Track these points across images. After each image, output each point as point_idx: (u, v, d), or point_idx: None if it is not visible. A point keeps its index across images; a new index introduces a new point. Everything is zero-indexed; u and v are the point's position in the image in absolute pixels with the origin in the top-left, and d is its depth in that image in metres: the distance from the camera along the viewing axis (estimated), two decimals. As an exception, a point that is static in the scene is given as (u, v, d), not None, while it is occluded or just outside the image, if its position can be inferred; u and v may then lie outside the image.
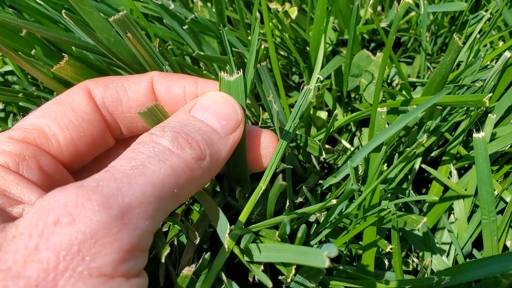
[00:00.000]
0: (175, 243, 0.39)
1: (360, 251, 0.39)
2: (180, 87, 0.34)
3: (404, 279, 0.33)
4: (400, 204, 0.46)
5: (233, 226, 0.32)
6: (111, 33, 0.40)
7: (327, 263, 0.25)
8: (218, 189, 0.42)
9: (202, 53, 0.44)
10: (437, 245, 0.45)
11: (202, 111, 0.31)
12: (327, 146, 0.54)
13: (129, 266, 0.23)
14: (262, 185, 0.34)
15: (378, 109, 0.35)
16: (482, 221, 0.37)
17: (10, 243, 0.21)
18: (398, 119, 0.30)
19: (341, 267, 0.36)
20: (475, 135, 0.36)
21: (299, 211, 0.33)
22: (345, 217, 0.39)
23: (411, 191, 0.46)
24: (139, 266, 0.24)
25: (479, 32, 0.50)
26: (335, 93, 0.55)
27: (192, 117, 0.31)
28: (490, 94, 0.34)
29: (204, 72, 0.51)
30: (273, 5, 0.58)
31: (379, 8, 0.62)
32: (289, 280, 0.30)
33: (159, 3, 0.46)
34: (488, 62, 0.49)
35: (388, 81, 0.56)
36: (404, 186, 0.46)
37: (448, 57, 0.37)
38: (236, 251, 0.34)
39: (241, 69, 0.32)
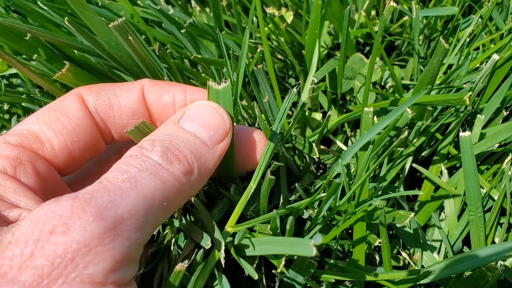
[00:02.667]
0: (172, 243, 0.40)
1: (352, 249, 0.40)
2: (170, 95, 0.35)
3: (392, 271, 0.34)
4: (393, 203, 0.48)
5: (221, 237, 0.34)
6: (111, 37, 0.41)
7: (314, 251, 0.26)
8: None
9: (199, 56, 0.45)
10: (428, 242, 0.46)
11: (191, 121, 0.32)
12: (322, 147, 0.55)
13: (120, 275, 0.24)
14: (253, 184, 0.35)
15: (365, 109, 0.36)
16: (469, 217, 0.38)
17: (5, 249, 0.22)
18: (384, 117, 0.31)
19: (332, 261, 0.37)
20: (461, 134, 0.37)
21: (289, 206, 0.34)
22: (336, 213, 0.40)
23: (402, 190, 0.48)
24: (129, 276, 0.25)
25: (470, 36, 0.52)
26: (330, 96, 0.56)
27: (181, 128, 0.32)
28: (470, 93, 0.35)
29: (203, 75, 0.52)
30: (269, 10, 0.59)
31: (373, 12, 0.63)
32: (279, 270, 0.32)
33: (158, 8, 0.47)
34: (478, 65, 0.50)
35: (382, 83, 0.57)
36: (396, 185, 0.48)
37: (435, 59, 0.38)
38: (229, 246, 0.35)
39: (228, 79, 0.34)
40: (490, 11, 0.49)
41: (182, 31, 0.47)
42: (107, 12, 0.52)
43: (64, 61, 0.38)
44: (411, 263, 0.39)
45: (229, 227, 0.36)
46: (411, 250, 0.44)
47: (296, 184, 0.39)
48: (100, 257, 0.23)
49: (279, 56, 0.59)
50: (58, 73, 0.38)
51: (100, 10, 0.52)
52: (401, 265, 0.43)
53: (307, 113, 0.55)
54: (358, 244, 0.38)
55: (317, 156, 0.44)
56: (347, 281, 0.36)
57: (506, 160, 0.42)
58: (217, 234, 0.33)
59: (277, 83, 0.59)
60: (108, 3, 0.54)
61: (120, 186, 0.26)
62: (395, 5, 0.37)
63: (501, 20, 0.55)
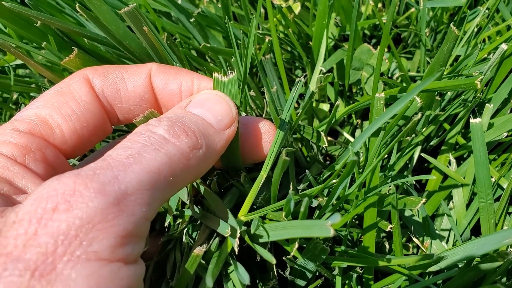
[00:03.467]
0: (185, 233, 0.40)
1: (362, 238, 0.40)
2: (177, 82, 0.35)
3: (404, 256, 0.34)
4: (401, 192, 0.48)
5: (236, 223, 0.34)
6: (119, 26, 0.41)
7: (332, 232, 0.26)
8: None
9: (208, 45, 0.45)
10: (437, 231, 0.46)
11: (198, 107, 0.32)
12: (329, 138, 0.55)
13: (127, 252, 0.24)
14: (264, 173, 0.35)
15: (377, 95, 0.36)
16: (479, 205, 0.38)
17: (10, 229, 0.22)
18: (395, 102, 0.31)
19: (342, 248, 0.37)
20: (472, 120, 0.37)
21: (302, 193, 0.34)
22: (346, 201, 0.41)
23: (412, 180, 0.48)
24: (136, 252, 0.25)
25: (476, 27, 0.52)
26: (337, 87, 0.56)
27: (188, 111, 0.32)
28: (482, 77, 0.35)
29: (211, 64, 0.52)
30: (277, 1, 0.59)
31: (380, 5, 0.63)
32: (292, 254, 0.32)
33: (168, -3, 0.47)
34: (486, 55, 0.50)
35: (389, 75, 0.57)
36: (405, 174, 0.48)
37: (445, 46, 0.38)
38: (243, 234, 0.35)
39: (235, 70, 0.33)
40: (497, 3, 0.49)
41: (191, 20, 0.47)
42: (116, 1, 0.52)
43: (73, 47, 0.38)
44: (423, 249, 0.39)
45: (242, 216, 0.36)
46: (420, 239, 0.44)
47: (306, 171, 0.39)
48: (104, 234, 0.23)
49: (286, 48, 0.59)
50: (66, 59, 0.38)
51: None
52: (411, 253, 0.43)
53: (314, 105, 0.55)
54: (368, 231, 0.38)
55: (326, 144, 0.45)
56: (358, 267, 0.36)
57: (516, 149, 0.42)
58: (232, 221, 0.33)
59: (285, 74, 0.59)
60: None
61: (124, 162, 0.25)
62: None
63: (508, 12, 0.56)
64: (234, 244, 0.32)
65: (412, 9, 0.59)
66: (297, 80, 0.37)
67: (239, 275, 0.32)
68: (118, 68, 0.35)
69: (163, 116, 0.30)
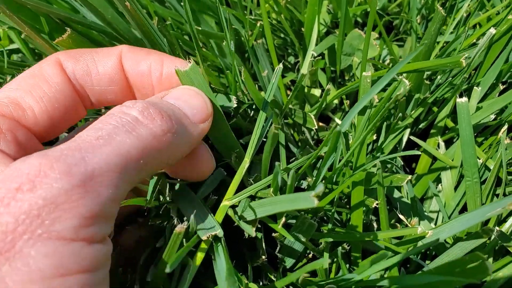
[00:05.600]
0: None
1: (350, 215, 0.40)
2: (147, 63, 0.35)
3: (391, 230, 0.34)
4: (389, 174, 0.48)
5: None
6: (108, 11, 0.42)
7: (315, 202, 0.26)
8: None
9: (199, 28, 0.46)
10: (426, 213, 0.46)
11: (174, 99, 0.32)
12: (321, 124, 0.56)
13: (92, 232, 0.24)
14: (247, 158, 0.36)
15: (363, 73, 0.37)
16: (466, 184, 0.39)
17: None
18: (381, 78, 0.32)
19: (330, 226, 0.38)
20: (458, 100, 0.38)
21: (290, 165, 0.35)
22: (334, 183, 0.41)
23: (401, 162, 0.48)
24: (102, 233, 0.25)
25: (466, 12, 0.52)
26: (329, 73, 0.57)
27: (164, 100, 0.32)
28: (466, 54, 0.36)
29: (203, 49, 0.53)
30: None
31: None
32: (280, 226, 0.32)
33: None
34: (475, 40, 0.51)
35: (380, 61, 0.58)
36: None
37: (432, 27, 0.39)
38: (230, 212, 0.35)
39: (191, 60, 0.34)
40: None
41: (182, 4, 0.48)
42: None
43: (66, 27, 0.39)
44: (409, 226, 0.39)
45: (226, 200, 0.36)
46: (409, 220, 0.45)
47: (295, 150, 0.40)
48: (68, 214, 0.23)
49: (279, 34, 0.60)
50: (59, 39, 0.39)
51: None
52: (399, 233, 0.44)
53: (306, 90, 0.56)
54: (356, 209, 0.39)
55: (316, 126, 0.45)
56: (345, 244, 0.37)
57: (502, 130, 0.43)
58: (210, 222, 0.34)
59: (277, 60, 0.60)
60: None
61: (93, 143, 0.25)
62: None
63: (498, -1, 0.56)
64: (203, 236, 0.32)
65: (404, -4, 0.60)
66: (276, 67, 0.37)
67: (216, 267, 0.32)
68: (89, 51, 0.35)
69: (139, 100, 0.30)
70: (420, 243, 0.36)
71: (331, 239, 0.35)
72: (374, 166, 0.37)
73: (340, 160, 0.37)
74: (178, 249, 0.30)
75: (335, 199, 0.37)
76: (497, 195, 0.48)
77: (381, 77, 0.43)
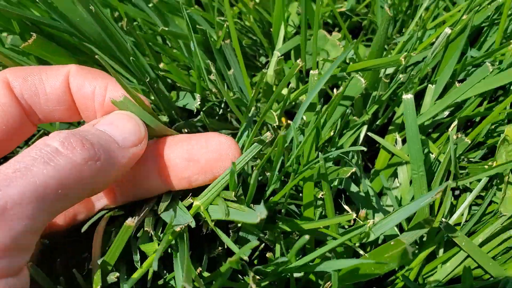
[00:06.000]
0: None
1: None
2: (91, 86, 0.35)
3: (337, 217, 0.36)
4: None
5: None
6: (76, 13, 0.43)
7: (258, 220, 0.30)
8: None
9: (166, 29, 0.48)
10: (382, 207, 0.48)
11: (105, 124, 0.33)
12: (289, 121, 0.58)
13: (4, 264, 0.24)
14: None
15: (311, 72, 0.39)
16: (412, 176, 0.41)
17: None
18: (324, 74, 0.34)
19: (280, 220, 0.40)
20: (404, 96, 0.39)
21: (242, 161, 0.37)
22: (285, 174, 0.43)
23: (359, 159, 0.50)
24: (14, 265, 0.25)
25: (425, 11, 0.54)
26: (297, 74, 0.59)
27: (94, 127, 0.32)
28: (405, 54, 0.38)
29: (174, 51, 0.55)
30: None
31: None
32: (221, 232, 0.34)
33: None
34: (434, 40, 0.53)
35: (347, 61, 0.60)
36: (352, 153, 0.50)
37: (381, 27, 0.41)
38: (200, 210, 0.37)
39: (125, 93, 0.34)
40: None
41: (150, 5, 0.50)
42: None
43: (32, 33, 0.41)
44: (359, 220, 0.41)
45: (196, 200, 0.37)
46: (367, 213, 0.47)
47: (255, 144, 0.41)
48: None
49: (249, 35, 0.62)
50: (25, 44, 0.41)
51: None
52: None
53: (274, 89, 0.58)
54: (307, 201, 0.40)
55: (276, 123, 0.47)
56: (294, 235, 0.39)
57: (452, 125, 0.44)
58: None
59: (248, 61, 0.62)
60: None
61: (9, 176, 0.26)
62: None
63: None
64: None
65: (370, -2, 0.61)
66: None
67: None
68: (38, 70, 0.35)
69: (64, 131, 0.30)
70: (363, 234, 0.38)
71: (277, 229, 0.37)
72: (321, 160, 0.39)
73: (289, 159, 0.39)
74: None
75: (286, 195, 0.39)
76: (453, 189, 0.50)
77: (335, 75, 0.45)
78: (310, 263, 0.33)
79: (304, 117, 0.56)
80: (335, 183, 0.44)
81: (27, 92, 0.34)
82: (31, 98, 0.34)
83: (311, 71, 0.39)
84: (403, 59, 0.37)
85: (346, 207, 0.39)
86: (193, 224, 0.34)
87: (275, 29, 0.56)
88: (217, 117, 0.55)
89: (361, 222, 0.37)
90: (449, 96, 0.45)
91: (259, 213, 0.31)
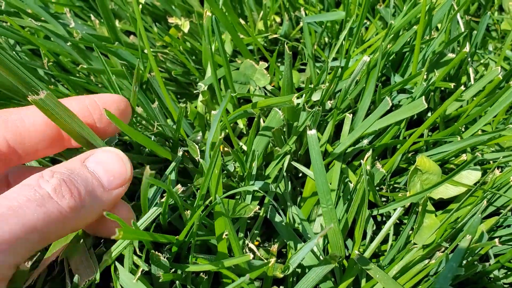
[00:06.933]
0: None
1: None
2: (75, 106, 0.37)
3: (231, 258, 0.36)
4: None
5: None
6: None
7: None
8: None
9: (85, 66, 0.48)
10: (309, 236, 0.48)
11: (95, 163, 0.34)
12: (226, 149, 0.58)
13: None
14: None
15: (213, 112, 0.39)
16: (322, 210, 0.41)
17: None
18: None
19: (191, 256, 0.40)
20: (308, 132, 0.40)
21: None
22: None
23: (286, 185, 0.50)
24: None
25: (345, 40, 0.55)
26: (233, 101, 0.59)
27: (84, 167, 0.34)
28: (296, 94, 0.38)
29: (99, 86, 0.55)
30: (172, 20, 0.62)
31: (278, 19, 0.66)
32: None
33: (39, 25, 0.50)
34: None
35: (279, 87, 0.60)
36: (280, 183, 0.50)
37: (286, 63, 0.41)
38: None
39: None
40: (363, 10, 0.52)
41: (68, 44, 0.50)
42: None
43: None
44: (272, 253, 0.41)
45: None
46: (291, 244, 0.47)
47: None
48: None
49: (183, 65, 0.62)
50: None
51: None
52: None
53: (207, 117, 0.58)
54: (220, 239, 0.40)
55: (198, 156, 0.47)
56: (202, 274, 0.39)
57: (366, 156, 0.45)
58: None
59: (183, 89, 0.62)
60: None
61: (3, 211, 0.28)
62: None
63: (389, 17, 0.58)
64: None
65: (301, 24, 0.62)
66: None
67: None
68: (17, 110, 0.36)
69: (58, 170, 0.32)
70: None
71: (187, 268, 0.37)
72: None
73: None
74: None
75: (193, 232, 0.39)
76: (374, 216, 0.50)
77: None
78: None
79: (241, 144, 0.57)
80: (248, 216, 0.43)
81: (9, 133, 0.35)
82: (14, 138, 0.35)
83: (213, 112, 0.40)
84: (294, 100, 0.38)
85: (251, 244, 0.39)
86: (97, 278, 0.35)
87: (205, 60, 0.56)
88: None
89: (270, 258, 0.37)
90: (361, 126, 0.45)
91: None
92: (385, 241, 0.49)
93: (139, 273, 0.34)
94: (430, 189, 0.40)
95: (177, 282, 0.37)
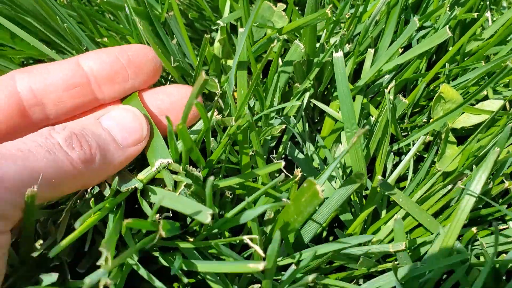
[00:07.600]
0: None
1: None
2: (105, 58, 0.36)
3: (257, 168, 0.36)
4: (296, 140, 0.50)
5: None
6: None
7: (208, 220, 0.29)
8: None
9: (105, 0, 0.47)
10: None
11: (110, 120, 0.34)
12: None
13: None
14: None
15: (239, 29, 0.39)
16: (346, 135, 0.41)
17: None
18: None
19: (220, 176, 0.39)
20: (334, 54, 0.39)
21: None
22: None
23: (306, 124, 0.50)
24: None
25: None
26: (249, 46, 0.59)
27: (98, 123, 0.34)
28: (331, 5, 0.38)
29: (121, 25, 0.54)
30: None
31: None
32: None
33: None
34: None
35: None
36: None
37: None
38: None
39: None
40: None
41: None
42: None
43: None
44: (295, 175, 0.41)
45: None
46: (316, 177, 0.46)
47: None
48: None
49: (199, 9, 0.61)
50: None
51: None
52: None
53: (222, 61, 0.57)
54: (243, 155, 0.40)
55: (219, 90, 0.47)
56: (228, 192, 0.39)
57: (389, 86, 0.45)
58: None
59: (198, 35, 0.61)
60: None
61: (12, 153, 0.28)
62: None
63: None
64: None
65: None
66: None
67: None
68: (43, 65, 0.36)
69: (71, 124, 0.32)
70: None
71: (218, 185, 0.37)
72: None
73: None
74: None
75: (227, 150, 0.38)
76: (398, 152, 0.50)
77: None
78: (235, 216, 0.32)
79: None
80: (272, 144, 0.43)
81: (35, 83, 0.34)
82: (39, 88, 0.34)
83: (240, 29, 0.39)
84: (328, 12, 0.37)
85: (275, 163, 0.38)
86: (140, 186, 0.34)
87: (221, 2, 0.56)
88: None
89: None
90: (386, 53, 0.45)
91: (209, 213, 0.30)
92: (404, 179, 0.49)
93: (181, 187, 0.34)
94: (453, 111, 0.40)
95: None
